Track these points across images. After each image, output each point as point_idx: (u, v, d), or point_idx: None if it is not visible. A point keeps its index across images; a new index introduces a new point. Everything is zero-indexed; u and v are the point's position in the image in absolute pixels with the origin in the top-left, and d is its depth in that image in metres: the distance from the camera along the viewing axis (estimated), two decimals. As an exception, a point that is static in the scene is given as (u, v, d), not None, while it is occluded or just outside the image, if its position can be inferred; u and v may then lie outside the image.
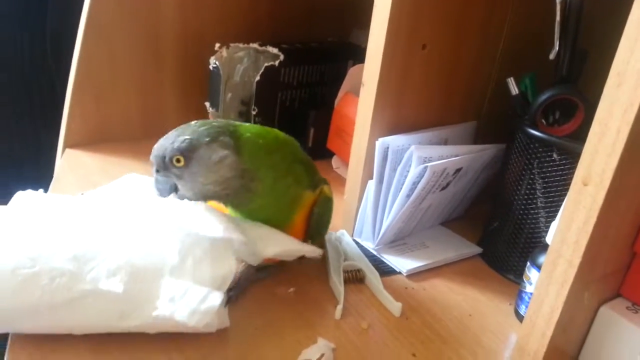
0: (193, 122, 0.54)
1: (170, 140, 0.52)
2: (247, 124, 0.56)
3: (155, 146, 0.54)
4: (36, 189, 0.92)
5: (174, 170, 0.53)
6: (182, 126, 0.54)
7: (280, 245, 0.55)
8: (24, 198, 0.53)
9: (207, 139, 0.51)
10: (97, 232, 0.49)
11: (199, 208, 0.52)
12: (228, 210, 0.58)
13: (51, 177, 0.82)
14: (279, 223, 0.57)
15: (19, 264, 0.45)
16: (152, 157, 0.54)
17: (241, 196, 0.54)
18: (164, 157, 0.52)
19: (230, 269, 0.49)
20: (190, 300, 0.46)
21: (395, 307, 0.58)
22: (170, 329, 0.47)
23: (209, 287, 0.47)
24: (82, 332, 0.48)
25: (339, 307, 0.56)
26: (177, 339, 0.49)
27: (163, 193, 0.55)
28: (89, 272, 0.46)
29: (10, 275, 0.44)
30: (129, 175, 0.64)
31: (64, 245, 0.47)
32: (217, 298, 0.47)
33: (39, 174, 1.28)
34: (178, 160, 0.52)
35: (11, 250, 0.46)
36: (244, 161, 0.52)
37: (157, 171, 0.54)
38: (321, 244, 0.63)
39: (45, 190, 0.76)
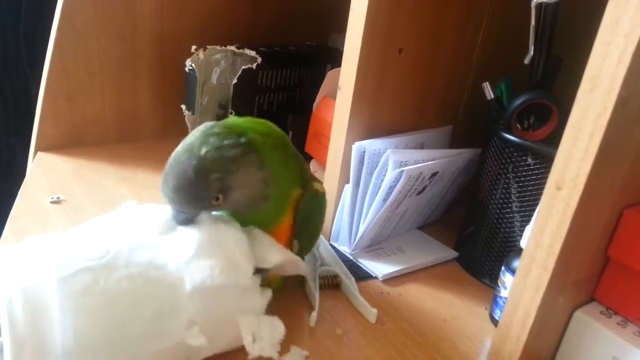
0: (197, 146, 0.46)
1: (197, 184, 0.46)
2: (242, 121, 0.51)
3: (175, 195, 0.46)
4: (8, 192, 0.91)
5: (210, 208, 0.49)
6: (189, 156, 0.46)
7: (281, 254, 0.52)
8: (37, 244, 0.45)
9: (235, 167, 0.47)
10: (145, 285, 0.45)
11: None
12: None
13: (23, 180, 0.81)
14: (270, 225, 0.53)
15: (108, 336, 0.41)
16: (177, 204, 0.47)
17: (259, 205, 0.51)
18: (200, 204, 0.47)
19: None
20: (265, 335, 0.49)
21: (371, 313, 0.57)
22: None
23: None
24: None
25: (314, 313, 0.56)
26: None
27: (185, 223, 0.49)
28: (169, 329, 0.44)
29: (104, 344, 0.41)
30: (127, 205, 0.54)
31: (139, 307, 0.43)
32: (281, 325, 0.50)
33: (12, 176, 1.25)
34: (217, 199, 0.47)
35: (98, 324, 0.41)
36: (265, 170, 0.49)
37: (184, 212, 0.48)
38: (308, 249, 0.59)
39: (16, 194, 0.75)
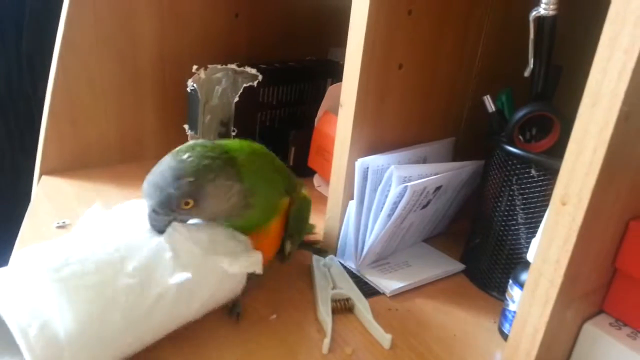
0: (182, 151, 0.51)
1: (170, 182, 0.49)
2: (231, 143, 0.55)
3: (150, 189, 0.50)
4: (14, 215, 0.91)
5: (180, 212, 0.51)
6: (171, 159, 0.50)
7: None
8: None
9: (212, 175, 0.50)
10: (136, 239, 0.50)
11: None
12: None
13: (29, 204, 0.81)
14: (255, 229, 0.57)
15: (93, 291, 0.44)
16: (150, 201, 0.50)
17: (241, 213, 0.54)
18: (169, 202, 0.49)
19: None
20: (242, 258, 0.53)
21: (385, 339, 0.56)
22: (218, 303, 0.55)
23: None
24: (156, 337, 0.50)
25: (326, 340, 0.54)
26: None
27: (160, 230, 0.51)
28: (153, 276, 0.48)
29: (90, 305, 0.44)
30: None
31: (119, 263, 0.47)
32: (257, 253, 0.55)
33: (17, 200, 1.26)
34: (187, 203, 0.50)
35: (76, 281, 0.44)
36: (245, 184, 0.53)
37: (156, 212, 0.50)
38: (296, 246, 0.64)
39: (22, 218, 0.75)
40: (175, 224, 0.52)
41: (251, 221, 0.56)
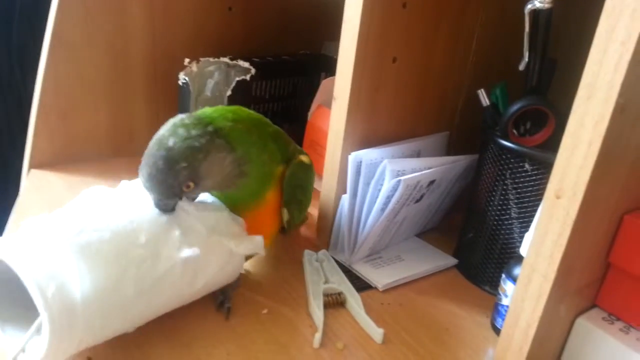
0: (166, 137, 0.49)
1: (166, 173, 0.49)
2: (213, 112, 0.54)
3: (149, 183, 0.50)
4: (3, 208, 0.90)
5: (183, 194, 0.52)
6: (158, 147, 0.49)
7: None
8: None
9: (202, 155, 0.50)
10: (143, 215, 0.51)
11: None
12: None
13: (17, 197, 0.80)
14: (252, 200, 0.58)
15: (109, 259, 0.45)
16: (153, 194, 0.50)
17: (236, 182, 0.55)
18: (172, 190, 0.50)
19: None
20: (245, 240, 0.56)
21: (377, 333, 0.55)
22: (218, 284, 0.57)
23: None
24: (159, 312, 0.51)
25: (318, 335, 0.54)
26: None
27: (168, 211, 0.52)
28: (162, 250, 0.49)
29: (106, 272, 0.45)
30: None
31: (132, 234, 0.48)
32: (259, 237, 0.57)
33: (7, 193, 1.25)
34: (188, 186, 0.51)
35: (94, 246, 0.45)
36: (238, 152, 0.53)
37: (161, 200, 0.51)
38: (295, 219, 0.64)
39: (10, 211, 0.75)
40: (182, 203, 0.53)
41: (247, 190, 0.56)
